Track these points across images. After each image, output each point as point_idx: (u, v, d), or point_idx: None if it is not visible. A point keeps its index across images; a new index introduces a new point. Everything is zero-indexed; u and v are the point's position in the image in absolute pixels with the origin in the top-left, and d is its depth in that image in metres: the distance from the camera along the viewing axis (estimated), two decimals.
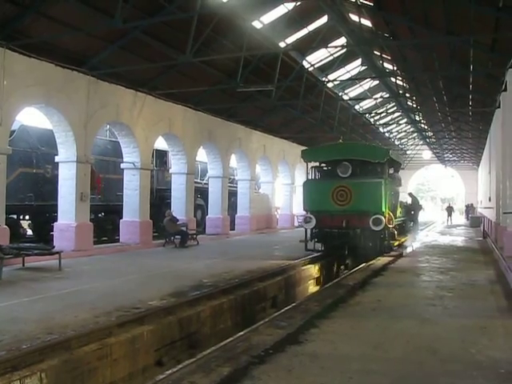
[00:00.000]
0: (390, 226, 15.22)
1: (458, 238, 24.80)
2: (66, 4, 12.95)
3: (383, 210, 14.82)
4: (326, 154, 16.60)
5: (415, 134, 43.01)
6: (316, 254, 15.71)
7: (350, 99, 29.27)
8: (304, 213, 16.46)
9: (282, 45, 19.59)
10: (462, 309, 8.40)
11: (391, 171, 17.21)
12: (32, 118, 19.06)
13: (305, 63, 21.86)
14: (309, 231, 15.93)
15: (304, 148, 20.38)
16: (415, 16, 14.76)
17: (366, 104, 33.65)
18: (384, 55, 20.95)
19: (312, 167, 16.68)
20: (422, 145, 47.07)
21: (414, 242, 20.61)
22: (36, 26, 13.50)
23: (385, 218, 14.69)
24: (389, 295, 9.56)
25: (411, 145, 49.08)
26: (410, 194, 23.45)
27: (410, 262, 14.50)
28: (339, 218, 15.10)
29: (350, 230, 15.03)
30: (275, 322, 7.42)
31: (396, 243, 16.73)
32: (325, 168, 16.88)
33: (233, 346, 6.23)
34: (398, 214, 17.53)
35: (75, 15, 13.64)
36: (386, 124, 38.29)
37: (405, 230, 19.50)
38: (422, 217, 47.93)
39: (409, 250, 18.34)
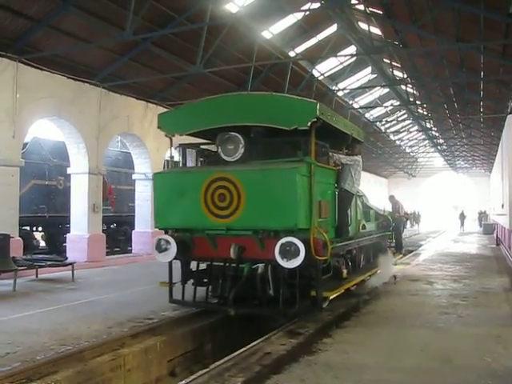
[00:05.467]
0: (324, 256, 7.61)
1: (470, 246, 24.61)
2: (76, 17, 13.10)
3: (306, 224, 7.52)
4: (200, 118, 8.77)
5: (426, 142, 42.91)
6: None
7: (361, 107, 29.26)
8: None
9: (292, 54, 19.68)
10: (476, 317, 8.32)
11: (342, 152, 9.80)
12: (45, 129, 19.25)
13: (315, 72, 21.91)
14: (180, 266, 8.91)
15: None
16: (424, 23, 14.74)
17: (377, 112, 33.63)
18: (394, 63, 20.94)
19: (179, 146, 9.45)
20: (433, 152, 46.92)
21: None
22: (47, 39, 13.67)
23: (309, 241, 7.38)
24: (402, 304, 9.50)
25: (422, 152, 48.96)
26: (391, 198, 17.71)
27: (423, 270, 14.39)
28: (224, 242, 7.98)
29: (246, 264, 8.01)
30: (288, 332, 7.39)
31: (338, 291, 8.70)
32: (202, 147, 9.54)
33: (246, 356, 6.21)
34: (355, 229, 10.04)
35: (86, 28, 13.80)
36: (397, 132, 38.22)
37: (378, 255, 11.96)
38: (426, 226, 47.67)
39: (416, 261, 17.99)
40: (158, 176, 9.17)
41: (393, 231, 13.63)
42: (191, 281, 8.76)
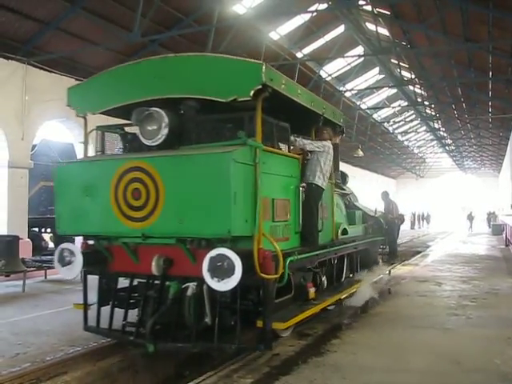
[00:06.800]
0: (274, 274, 5.65)
1: (479, 247, 24.47)
2: (84, 20, 13.17)
3: (246, 231, 5.56)
4: (115, 92, 6.93)
5: (434, 142, 42.80)
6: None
7: (368, 108, 29.21)
8: None
9: (299, 55, 19.67)
10: (486, 318, 8.27)
11: (311, 137, 7.44)
12: (54, 131, 19.33)
13: (322, 73, 21.90)
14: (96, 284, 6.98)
15: None
16: (432, 24, 14.71)
17: (385, 113, 33.56)
18: (401, 63, 20.90)
19: (96, 128, 7.48)
20: (441, 152, 46.80)
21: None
22: (56, 41, 13.75)
23: (251, 253, 5.49)
24: (410, 305, 9.46)
25: (430, 153, 48.84)
26: (384, 195, 14.73)
27: (432, 271, 14.31)
28: (146, 252, 6.15)
29: (173, 283, 6.04)
30: (296, 333, 7.38)
31: (295, 320, 6.34)
32: (127, 129, 7.31)
33: (254, 357, 6.21)
34: (331, 234, 8.03)
35: (94, 30, 13.87)
36: (405, 132, 38.13)
37: (366, 265, 10.09)
38: (434, 227, 47.08)
39: (425, 262, 17.92)
40: (59, 168, 7.15)
41: (385, 236, 11.57)
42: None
